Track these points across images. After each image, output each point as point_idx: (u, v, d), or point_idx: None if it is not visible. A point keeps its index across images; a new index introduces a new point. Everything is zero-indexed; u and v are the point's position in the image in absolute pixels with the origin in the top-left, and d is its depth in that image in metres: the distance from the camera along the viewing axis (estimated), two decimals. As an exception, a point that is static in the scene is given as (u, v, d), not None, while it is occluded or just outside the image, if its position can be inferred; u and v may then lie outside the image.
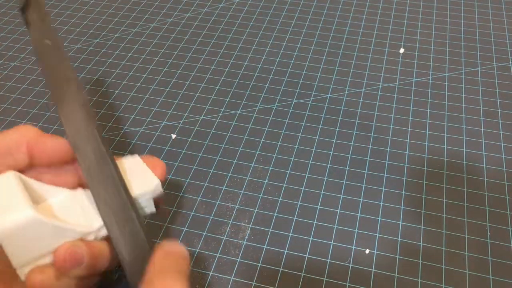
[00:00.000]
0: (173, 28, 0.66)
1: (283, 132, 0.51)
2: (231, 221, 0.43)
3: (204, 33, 0.65)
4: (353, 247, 0.41)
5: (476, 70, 0.59)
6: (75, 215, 0.22)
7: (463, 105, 0.54)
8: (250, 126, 0.52)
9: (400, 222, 0.43)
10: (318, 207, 0.44)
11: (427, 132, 0.51)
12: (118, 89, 0.57)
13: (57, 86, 0.23)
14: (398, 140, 0.50)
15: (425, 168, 0.47)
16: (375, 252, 0.41)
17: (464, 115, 0.53)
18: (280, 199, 0.45)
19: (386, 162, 0.48)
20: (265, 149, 0.49)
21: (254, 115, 0.53)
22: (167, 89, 0.57)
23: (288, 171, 0.47)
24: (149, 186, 0.23)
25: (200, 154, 0.49)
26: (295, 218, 0.43)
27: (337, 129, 0.51)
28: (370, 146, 0.50)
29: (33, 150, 0.22)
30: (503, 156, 0.48)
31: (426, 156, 0.49)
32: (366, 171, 0.47)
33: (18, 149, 0.22)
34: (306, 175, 0.47)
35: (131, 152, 0.49)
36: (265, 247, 0.41)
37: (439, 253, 0.41)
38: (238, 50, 0.62)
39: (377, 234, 0.42)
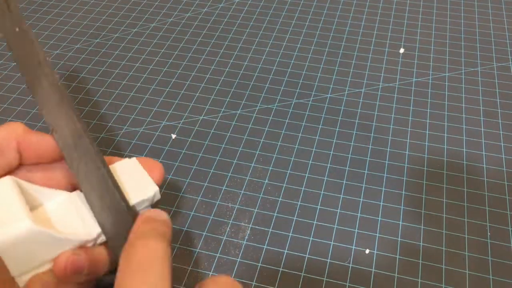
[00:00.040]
0: (173, 28, 0.66)
1: (283, 132, 0.51)
2: (231, 221, 0.43)
3: (204, 33, 0.65)
4: (353, 247, 0.41)
5: (476, 70, 0.59)
6: (72, 221, 0.22)
7: (463, 105, 0.54)
8: (250, 126, 0.52)
9: (400, 222, 0.43)
10: (318, 207, 0.44)
11: (427, 132, 0.51)
12: (118, 89, 0.57)
13: (29, 71, 0.23)
14: (398, 140, 0.50)
15: (425, 168, 0.47)
16: (375, 252, 0.41)
17: (464, 115, 0.53)
18: (280, 199, 0.45)
19: (386, 162, 0.48)
20: (265, 149, 0.49)
21: (254, 115, 0.53)
22: (167, 89, 0.57)
23: (288, 171, 0.47)
24: (147, 194, 0.23)
25: (200, 154, 0.49)
26: (295, 218, 0.43)
27: (337, 129, 0.51)
28: (370, 146, 0.50)
29: (21, 147, 0.22)
30: (503, 156, 0.48)
31: (426, 156, 0.49)
32: (366, 171, 0.47)
33: (8, 148, 0.22)
34: (306, 175, 0.47)
35: (131, 152, 0.49)
36: (265, 247, 0.41)
37: (439, 253, 0.41)
38: (238, 50, 0.62)
39: (377, 234, 0.42)
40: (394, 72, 0.58)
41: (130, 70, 0.59)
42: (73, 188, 0.24)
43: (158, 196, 0.23)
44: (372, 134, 0.51)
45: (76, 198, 0.23)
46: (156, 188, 0.23)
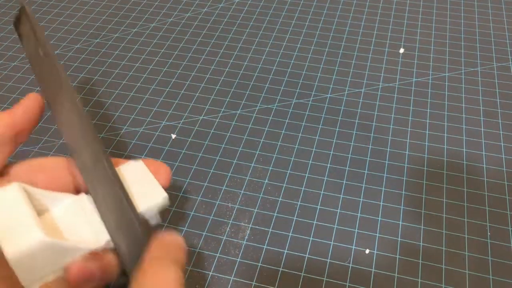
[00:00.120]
0: (173, 28, 0.66)
1: (283, 132, 0.51)
2: (231, 221, 0.43)
3: (204, 33, 0.65)
4: (353, 247, 0.41)
5: (476, 70, 0.58)
6: (81, 227, 0.22)
7: (463, 105, 0.54)
8: (250, 126, 0.52)
9: (400, 222, 0.43)
10: (318, 207, 0.44)
11: (427, 132, 0.51)
12: (118, 89, 0.57)
13: (52, 93, 0.23)
14: (398, 140, 0.50)
15: (425, 168, 0.47)
16: (375, 252, 0.41)
17: (464, 115, 0.53)
18: (280, 199, 0.45)
19: (386, 162, 0.48)
20: (265, 149, 0.49)
21: (254, 115, 0.53)
22: (167, 89, 0.57)
23: (288, 171, 0.47)
24: (155, 200, 0.23)
25: (200, 154, 0.49)
26: (295, 218, 0.43)
27: (337, 129, 0.51)
28: (370, 146, 0.50)
29: (14, 127, 0.23)
30: (503, 156, 0.48)
31: (426, 156, 0.49)
32: (366, 171, 0.47)
33: (3, 138, 0.23)
34: (306, 175, 0.47)
35: (131, 152, 0.49)
36: (265, 247, 0.41)
37: (439, 253, 0.41)
38: (238, 50, 0.62)
39: (377, 234, 0.42)
40: (394, 72, 0.58)
41: (130, 70, 0.59)
42: (77, 190, 0.24)
43: (167, 203, 0.23)
44: (372, 134, 0.51)
45: (83, 201, 0.23)
46: (165, 194, 0.23)
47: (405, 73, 0.58)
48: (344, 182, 0.46)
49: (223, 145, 0.50)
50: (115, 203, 0.21)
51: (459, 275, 0.39)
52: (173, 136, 0.51)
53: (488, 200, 0.44)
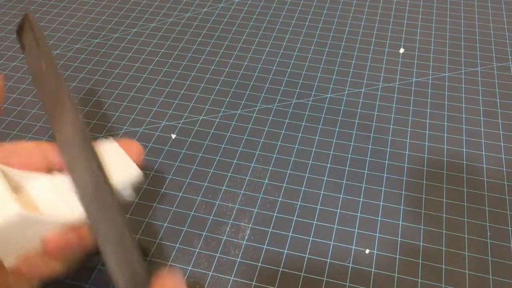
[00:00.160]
0: (173, 28, 0.66)
1: (283, 132, 0.51)
2: (231, 221, 0.43)
3: (204, 33, 0.65)
4: (353, 247, 0.41)
5: (476, 70, 0.59)
6: (56, 203, 0.22)
7: (463, 105, 0.54)
8: (250, 126, 0.52)
9: (400, 222, 0.43)
10: (318, 207, 0.44)
11: (427, 132, 0.51)
12: (118, 89, 0.57)
13: (53, 108, 0.23)
14: (398, 140, 0.50)
15: (425, 168, 0.47)
16: (375, 252, 0.41)
17: (464, 115, 0.53)
18: (280, 199, 0.45)
19: (386, 162, 0.48)
20: (265, 149, 0.49)
21: (254, 115, 0.53)
22: (167, 89, 0.57)
23: (288, 171, 0.47)
24: (129, 176, 0.23)
25: (200, 154, 0.49)
26: (295, 218, 0.43)
27: (337, 129, 0.51)
28: (370, 146, 0.50)
29: None
30: (503, 156, 0.48)
31: (426, 156, 0.49)
32: (366, 171, 0.47)
33: None
34: (306, 175, 0.47)
35: (131, 152, 0.49)
36: (265, 247, 0.41)
37: (439, 253, 0.41)
38: (238, 50, 0.62)
39: (377, 234, 0.42)
40: (394, 72, 0.58)
41: (130, 70, 0.59)
42: (50, 171, 0.24)
43: (141, 178, 0.23)
44: (372, 134, 0.51)
45: (57, 180, 0.23)
46: (139, 170, 0.23)
47: (405, 73, 0.58)
48: (344, 182, 0.46)
49: (223, 145, 0.50)
50: (117, 238, 0.20)
51: (459, 275, 0.39)
52: (173, 136, 0.51)
53: (488, 200, 0.44)
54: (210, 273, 0.39)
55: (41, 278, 0.23)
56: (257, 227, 0.43)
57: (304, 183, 0.46)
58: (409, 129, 0.51)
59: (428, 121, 0.52)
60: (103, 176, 0.21)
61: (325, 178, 0.47)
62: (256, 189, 0.46)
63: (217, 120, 0.53)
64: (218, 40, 0.64)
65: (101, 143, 0.24)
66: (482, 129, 0.51)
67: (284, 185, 0.46)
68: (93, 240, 0.23)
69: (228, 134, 0.51)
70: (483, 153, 0.49)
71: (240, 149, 0.49)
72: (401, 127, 0.52)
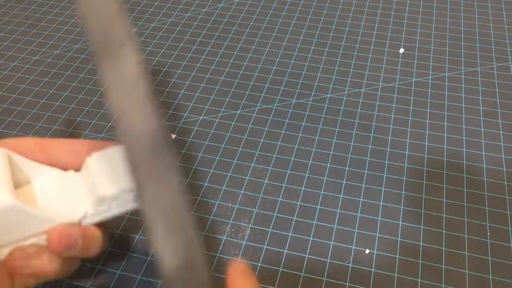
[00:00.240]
0: (173, 28, 0.66)
1: (283, 132, 0.51)
2: (231, 221, 0.43)
3: (204, 33, 0.65)
4: (353, 247, 0.41)
5: (476, 70, 0.58)
6: (59, 201, 0.22)
7: (463, 105, 0.54)
8: (250, 126, 0.52)
9: (400, 222, 0.43)
10: (318, 207, 0.44)
11: (427, 132, 0.51)
12: (118, 89, 0.57)
13: (107, 43, 0.18)
14: (398, 140, 0.50)
15: (425, 168, 0.47)
16: (375, 252, 0.41)
17: (464, 115, 0.53)
18: (280, 199, 0.45)
19: (386, 162, 0.48)
20: (265, 149, 0.49)
21: (254, 115, 0.53)
22: (167, 89, 0.57)
23: (288, 171, 0.47)
24: (125, 185, 0.22)
25: (200, 154, 0.49)
26: (295, 218, 0.43)
27: (337, 129, 0.51)
28: (370, 146, 0.50)
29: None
30: (503, 156, 0.48)
31: (426, 156, 0.49)
32: (366, 171, 0.47)
33: None
34: (306, 175, 0.47)
35: (131, 152, 0.49)
36: (265, 247, 0.41)
37: (439, 253, 0.41)
38: (238, 50, 0.62)
39: (377, 234, 0.42)
40: (394, 72, 0.58)
41: (130, 70, 0.59)
42: (65, 168, 0.24)
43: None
44: (372, 134, 0.51)
45: (68, 178, 0.23)
46: None
47: (405, 73, 0.58)
48: (344, 182, 0.46)
49: (223, 145, 0.50)
50: (172, 210, 0.18)
51: (459, 275, 0.39)
52: (173, 136, 0.51)
53: (488, 200, 0.44)
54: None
55: (36, 279, 0.23)
56: (257, 227, 0.43)
57: (304, 183, 0.46)
58: (409, 129, 0.51)
59: (428, 121, 0.52)
60: (162, 130, 0.18)
61: (325, 178, 0.47)
62: (256, 189, 0.46)
63: (217, 120, 0.53)
64: (218, 40, 0.64)
65: (115, 147, 0.23)
66: (482, 129, 0.51)
67: (284, 185, 0.46)
68: (99, 242, 0.23)
69: (228, 134, 0.51)
70: (483, 153, 0.49)
71: (240, 149, 0.49)
72: (401, 127, 0.52)
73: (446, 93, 0.56)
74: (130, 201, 0.23)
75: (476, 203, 0.44)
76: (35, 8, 0.70)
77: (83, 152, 0.24)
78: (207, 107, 0.54)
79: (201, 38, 0.64)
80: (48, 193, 0.22)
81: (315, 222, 0.43)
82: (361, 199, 0.45)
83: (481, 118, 0.52)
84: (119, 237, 0.42)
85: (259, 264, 0.40)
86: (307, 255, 0.40)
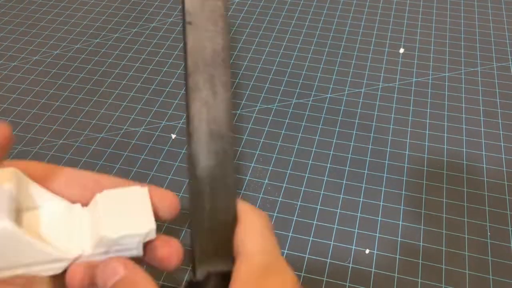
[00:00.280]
0: (173, 28, 0.66)
1: (283, 132, 0.51)
2: (231, 221, 0.43)
3: (204, 33, 0.65)
4: (353, 247, 0.41)
5: (476, 70, 0.58)
6: (58, 234, 0.21)
7: (463, 105, 0.54)
8: (250, 126, 0.52)
9: (400, 222, 0.43)
10: (318, 207, 0.44)
11: (427, 132, 0.51)
12: (118, 89, 0.57)
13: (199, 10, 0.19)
14: (398, 140, 0.50)
15: (425, 168, 0.47)
16: (375, 252, 0.41)
17: (464, 115, 0.53)
18: (280, 199, 0.45)
19: (386, 162, 0.48)
20: (265, 149, 0.49)
21: (254, 115, 0.53)
22: (167, 89, 0.57)
23: (288, 171, 0.47)
24: (141, 229, 0.21)
25: (200, 154, 0.49)
26: (295, 218, 0.43)
27: (337, 129, 0.51)
28: (370, 146, 0.50)
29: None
30: (503, 156, 0.48)
31: (426, 156, 0.48)
32: (366, 171, 0.47)
33: None
34: (306, 175, 0.47)
35: (131, 152, 0.49)
36: (265, 247, 0.41)
37: (439, 253, 0.41)
38: (238, 50, 0.62)
39: (377, 234, 0.42)
40: (394, 72, 0.58)
41: (130, 70, 0.59)
42: (72, 201, 0.23)
43: (154, 235, 0.21)
44: (372, 134, 0.51)
45: (74, 211, 0.22)
46: (153, 226, 0.21)
47: (405, 73, 0.58)
48: (344, 182, 0.46)
49: (223, 145, 0.50)
50: (218, 120, 0.19)
51: (459, 275, 0.39)
52: (173, 136, 0.51)
53: (488, 200, 0.44)
54: (210, 273, 0.39)
55: None
56: (257, 227, 0.43)
57: (304, 183, 0.46)
58: (409, 129, 0.51)
59: (428, 121, 0.52)
60: (228, 48, 0.19)
61: (325, 178, 0.47)
62: (256, 189, 0.46)
63: (217, 120, 0.53)
64: (218, 40, 0.64)
65: (131, 187, 0.22)
66: (482, 129, 0.51)
67: (284, 185, 0.46)
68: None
69: (228, 134, 0.51)
70: (483, 153, 0.49)
71: (240, 149, 0.49)
72: (401, 127, 0.52)
73: (446, 93, 0.56)
74: (133, 248, 0.21)
75: (476, 203, 0.44)
76: (35, 8, 0.70)
77: (90, 186, 0.22)
78: (207, 107, 0.54)
79: (201, 38, 0.64)
80: (49, 223, 0.21)
81: (315, 222, 0.43)
82: (361, 199, 0.45)
83: (481, 118, 0.52)
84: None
85: (259, 264, 0.40)
86: (307, 255, 0.40)
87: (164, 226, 0.43)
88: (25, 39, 0.65)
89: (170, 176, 0.47)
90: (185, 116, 0.54)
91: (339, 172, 0.47)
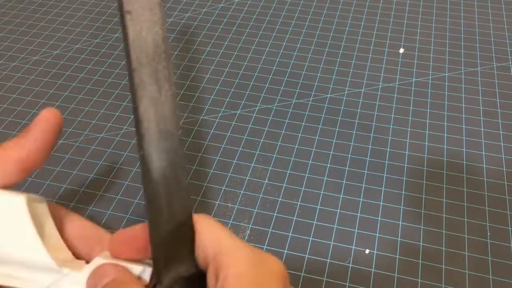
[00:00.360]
0: (173, 28, 0.66)
1: (283, 132, 0.51)
2: (231, 221, 0.43)
3: (204, 33, 0.65)
4: (353, 247, 0.41)
5: (476, 70, 0.58)
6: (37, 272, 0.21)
7: (463, 105, 0.54)
8: (250, 126, 0.52)
9: (400, 222, 0.43)
10: (318, 207, 0.44)
11: (427, 132, 0.51)
12: (118, 89, 0.57)
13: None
14: (398, 140, 0.50)
15: (425, 168, 0.47)
16: (375, 252, 0.41)
17: (464, 115, 0.53)
18: (280, 199, 0.45)
19: (386, 162, 0.48)
20: (265, 149, 0.49)
21: (254, 115, 0.53)
22: (167, 89, 0.57)
23: (288, 171, 0.47)
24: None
25: (200, 154, 0.49)
26: (295, 218, 0.43)
27: (337, 129, 0.51)
28: (370, 146, 0.50)
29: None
30: (503, 156, 0.48)
31: (426, 156, 0.48)
32: (366, 171, 0.47)
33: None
34: (306, 175, 0.47)
35: (131, 152, 0.49)
36: (265, 247, 0.41)
37: (439, 253, 0.41)
38: (238, 50, 0.62)
39: (377, 234, 0.42)
40: (394, 72, 0.58)
41: (130, 70, 0.59)
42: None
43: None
44: (372, 134, 0.51)
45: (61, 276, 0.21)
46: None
47: (405, 73, 0.58)
48: (344, 182, 0.46)
49: (223, 145, 0.50)
50: (163, 117, 0.19)
51: (459, 275, 0.39)
52: (173, 136, 0.51)
53: (488, 200, 0.44)
54: (210, 273, 0.39)
55: None
56: (257, 227, 0.43)
57: (304, 183, 0.46)
58: (409, 129, 0.51)
59: (428, 121, 0.52)
60: (166, 41, 0.18)
61: (325, 178, 0.47)
62: (256, 189, 0.46)
63: (217, 120, 0.53)
64: (218, 40, 0.64)
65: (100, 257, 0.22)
66: (482, 129, 0.51)
67: (284, 185, 0.46)
68: None
69: (228, 134, 0.51)
70: (483, 153, 0.49)
71: (240, 149, 0.49)
72: (401, 127, 0.52)
73: (446, 93, 0.56)
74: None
75: (476, 203, 0.44)
76: (35, 8, 0.70)
77: (91, 241, 0.22)
78: (207, 107, 0.54)
79: (201, 38, 0.64)
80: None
81: (315, 222, 0.43)
82: (361, 199, 0.45)
83: (481, 118, 0.52)
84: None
85: (259, 264, 0.40)
86: (307, 255, 0.40)
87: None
88: (25, 39, 0.65)
89: (170, 176, 0.47)
90: (185, 116, 0.54)
91: (339, 172, 0.47)
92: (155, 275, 0.19)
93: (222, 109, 0.54)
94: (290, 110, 0.54)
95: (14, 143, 0.19)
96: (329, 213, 0.44)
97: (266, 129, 0.51)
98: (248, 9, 0.69)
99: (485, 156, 0.48)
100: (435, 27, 0.65)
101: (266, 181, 0.46)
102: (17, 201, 0.19)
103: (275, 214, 0.44)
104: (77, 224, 0.21)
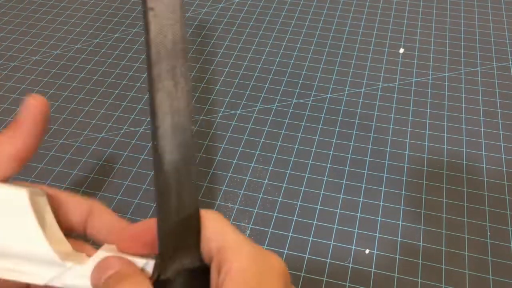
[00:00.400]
0: (173, 28, 0.66)
1: (283, 132, 0.51)
2: (231, 221, 0.43)
3: (204, 33, 0.65)
4: (353, 247, 0.41)
5: (476, 70, 0.58)
6: (40, 263, 0.21)
7: (463, 105, 0.54)
8: (250, 126, 0.52)
9: (400, 222, 0.43)
10: (318, 207, 0.44)
11: (427, 132, 0.51)
12: (118, 89, 0.57)
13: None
14: (398, 140, 0.50)
15: (425, 168, 0.47)
16: (375, 252, 0.41)
17: (464, 115, 0.53)
18: (280, 199, 0.45)
19: (386, 162, 0.48)
20: (265, 149, 0.49)
21: (254, 115, 0.53)
22: (167, 89, 0.57)
23: (288, 171, 0.47)
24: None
25: (200, 154, 0.49)
26: (295, 218, 0.43)
27: (337, 129, 0.51)
28: (370, 146, 0.50)
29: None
30: (503, 156, 0.48)
31: (426, 156, 0.48)
32: (366, 171, 0.47)
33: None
34: (306, 175, 0.47)
35: (131, 152, 0.49)
36: (265, 247, 0.41)
37: (439, 253, 0.41)
38: (238, 50, 0.62)
39: (377, 234, 0.42)
40: (394, 72, 0.58)
41: (130, 70, 0.59)
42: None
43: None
44: (372, 134, 0.51)
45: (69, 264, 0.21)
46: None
47: (405, 73, 0.58)
48: (344, 182, 0.46)
49: (223, 145, 0.50)
50: (179, 109, 0.19)
51: (459, 275, 0.39)
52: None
53: (488, 200, 0.44)
54: (210, 273, 0.39)
55: None
56: (257, 227, 0.43)
57: (304, 183, 0.46)
58: (409, 129, 0.51)
59: (428, 121, 0.52)
60: (185, 37, 0.19)
61: (325, 178, 0.47)
62: (256, 189, 0.46)
63: (217, 120, 0.53)
64: (218, 40, 0.64)
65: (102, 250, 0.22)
66: (482, 129, 0.51)
67: (284, 185, 0.46)
68: None
69: (228, 134, 0.51)
70: (483, 153, 0.49)
71: (240, 149, 0.49)
72: (401, 127, 0.52)
73: (446, 93, 0.56)
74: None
75: (476, 203, 0.44)
76: (35, 8, 0.70)
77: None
78: (207, 107, 0.54)
79: (201, 38, 0.64)
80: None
81: (315, 222, 0.43)
82: (361, 199, 0.45)
83: (481, 118, 0.52)
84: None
85: (259, 264, 0.40)
86: (307, 255, 0.40)
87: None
88: (25, 39, 0.65)
89: (170, 176, 0.47)
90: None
91: (339, 172, 0.47)
92: (161, 264, 0.19)
93: (222, 109, 0.54)
94: (290, 110, 0.54)
95: (7, 137, 0.19)
96: (329, 213, 0.44)
97: (266, 129, 0.51)
98: (248, 9, 0.69)
99: (485, 156, 0.48)
100: (435, 27, 0.65)
101: (266, 181, 0.46)
102: (20, 195, 0.19)
103: (275, 214, 0.44)
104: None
